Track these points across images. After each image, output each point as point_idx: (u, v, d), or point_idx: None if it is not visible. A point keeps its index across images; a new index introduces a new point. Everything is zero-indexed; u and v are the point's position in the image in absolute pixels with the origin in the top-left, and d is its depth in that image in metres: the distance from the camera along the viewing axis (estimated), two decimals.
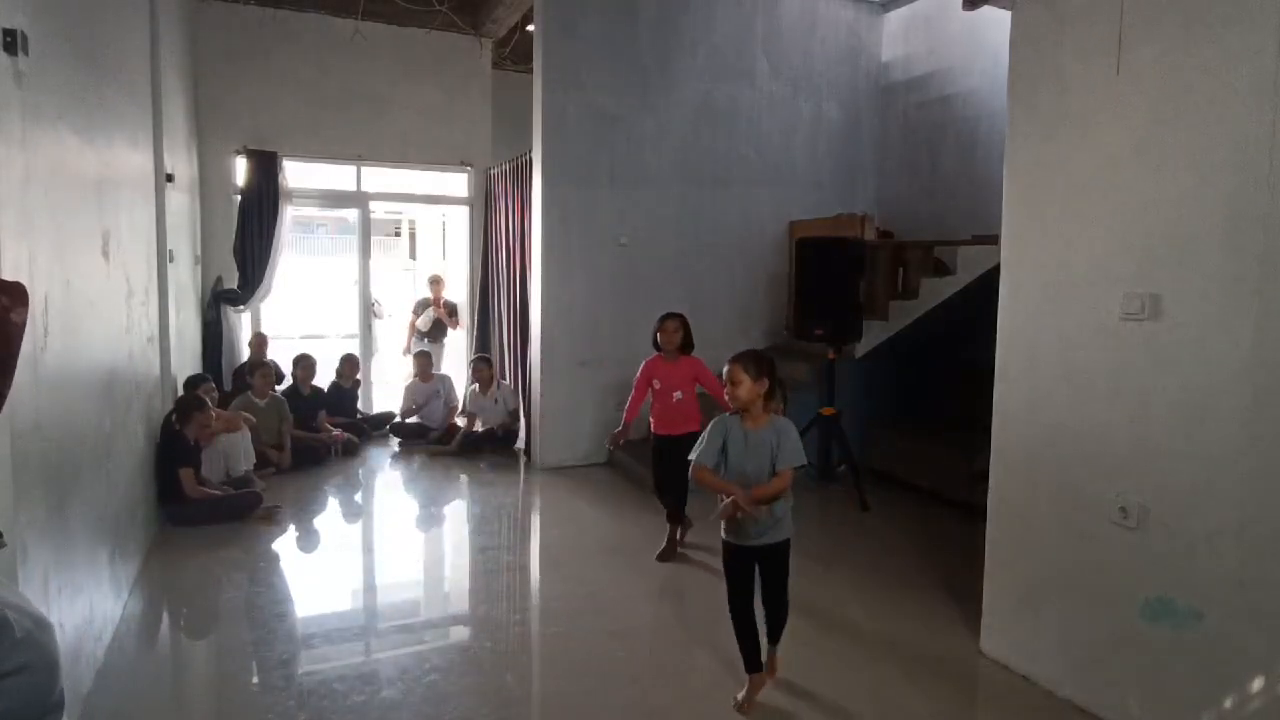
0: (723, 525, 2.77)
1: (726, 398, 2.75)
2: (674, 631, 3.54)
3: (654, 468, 4.38)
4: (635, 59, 6.03)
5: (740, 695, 2.79)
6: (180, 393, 5.10)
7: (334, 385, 6.81)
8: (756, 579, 2.83)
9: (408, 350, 7.74)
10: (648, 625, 3.58)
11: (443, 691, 2.85)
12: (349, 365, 6.96)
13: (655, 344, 4.26)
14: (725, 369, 2.75)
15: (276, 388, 6.09)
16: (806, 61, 6.73)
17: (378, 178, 7.49)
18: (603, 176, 5.99)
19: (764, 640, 2.85)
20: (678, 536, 4.31)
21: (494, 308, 7.37)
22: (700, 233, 6.36)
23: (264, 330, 7.09)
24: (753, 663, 2.80)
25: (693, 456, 2.75)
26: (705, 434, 2.77)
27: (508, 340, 6.99)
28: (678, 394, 4.19)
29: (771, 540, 2.76)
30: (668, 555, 4.23)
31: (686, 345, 4.24)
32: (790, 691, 2.92)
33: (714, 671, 3.05)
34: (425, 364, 6.97)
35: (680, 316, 4.28)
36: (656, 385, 4.25)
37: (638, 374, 4.33)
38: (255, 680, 2.97)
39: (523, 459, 6.30)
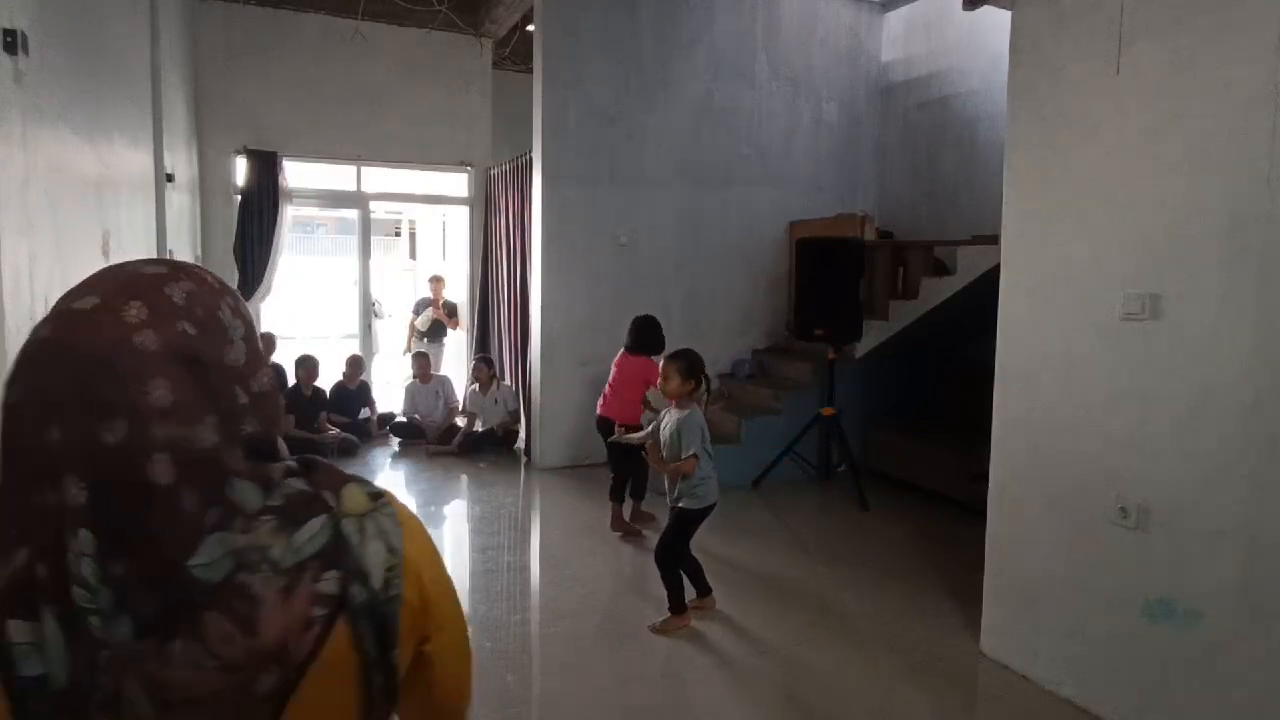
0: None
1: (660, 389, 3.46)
2: (674, 631, 3.53)
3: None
4: (635, 58, 6.02)
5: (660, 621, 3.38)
6: None
7: (336, 385, 6.82)
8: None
9: (408, 350, 7.74)
10: (648, 625, 3.57)
11: None
12: (352, 366, 6.97)
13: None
14: (661, 363, 3.44)
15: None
16: (806, 62, 6.72)
17: (378, 178, 7.48)
18: (603, 176, 5.99)
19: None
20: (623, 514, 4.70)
21: (494, 308, 7.36)
22: (700, 232, 6.36)
23: (269, 331, 7.08)
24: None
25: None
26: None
27: (507, 340, 6.98)
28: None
29: (680, 506, 3.41)
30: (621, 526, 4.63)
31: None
32: (790, 691, 2.93)
33: (714, 671, 3.06)
34: (424, 365, 6.96)
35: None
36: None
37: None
38: None
39: (523, 459, 6.30)
